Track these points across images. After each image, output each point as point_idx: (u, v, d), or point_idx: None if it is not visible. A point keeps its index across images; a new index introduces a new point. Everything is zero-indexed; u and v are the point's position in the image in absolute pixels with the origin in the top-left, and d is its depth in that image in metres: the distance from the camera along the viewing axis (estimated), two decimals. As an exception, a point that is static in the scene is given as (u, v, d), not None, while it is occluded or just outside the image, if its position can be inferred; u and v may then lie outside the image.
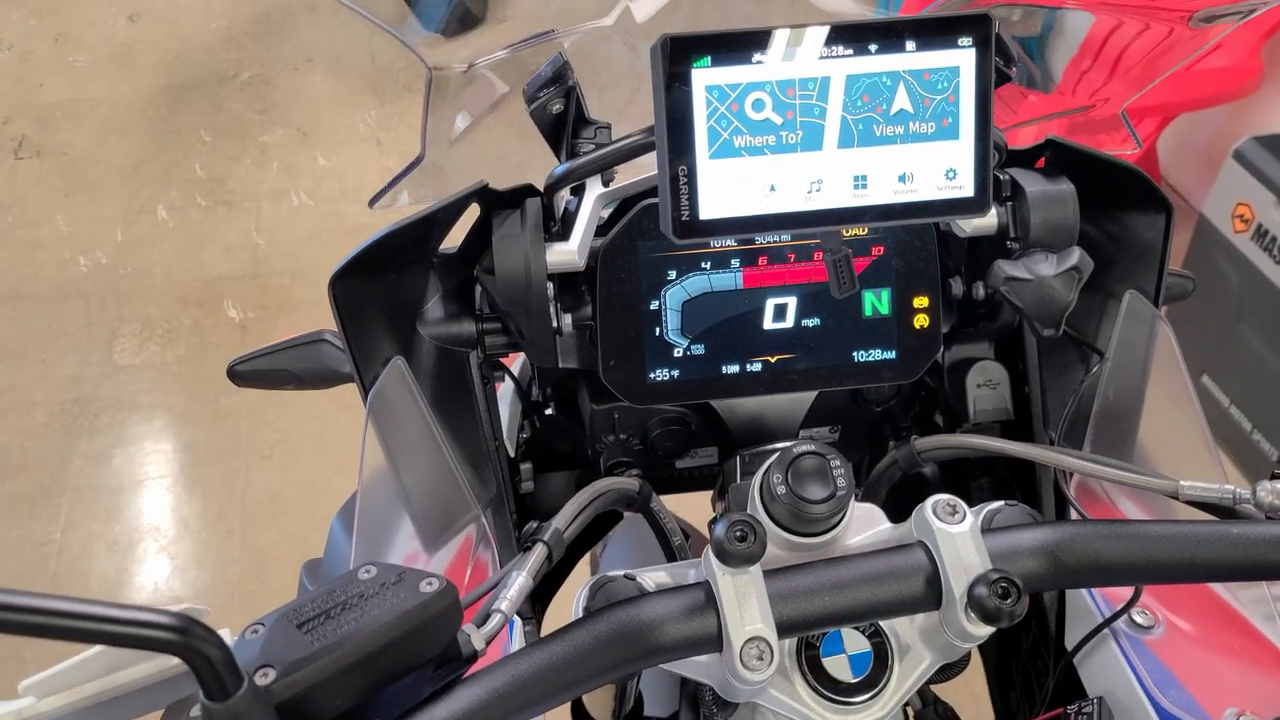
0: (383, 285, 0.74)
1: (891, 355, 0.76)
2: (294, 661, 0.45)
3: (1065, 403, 0.77)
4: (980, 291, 0.76)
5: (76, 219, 3.22)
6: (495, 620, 0.54)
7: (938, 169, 0.58)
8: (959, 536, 0.58)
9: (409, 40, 0.70)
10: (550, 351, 0.75)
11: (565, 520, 0.60)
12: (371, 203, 0.73)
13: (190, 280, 2.95)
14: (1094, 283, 0.81)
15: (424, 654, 0.49)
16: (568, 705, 1.00)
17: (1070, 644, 0.73)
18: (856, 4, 0.82)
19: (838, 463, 0.64)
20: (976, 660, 0.91)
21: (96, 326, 2.84)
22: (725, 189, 0.57)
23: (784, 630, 0.57)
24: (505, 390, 0.94)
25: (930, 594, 0.58)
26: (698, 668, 0.63)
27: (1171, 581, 0.58)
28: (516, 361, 0.97)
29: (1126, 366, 0.76)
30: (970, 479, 0.83)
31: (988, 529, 0.60)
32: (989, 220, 0.72)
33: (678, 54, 0.55)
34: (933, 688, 0.88)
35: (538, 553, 0.58)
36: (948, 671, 0.71)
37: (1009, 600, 0.54)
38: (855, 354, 0.76)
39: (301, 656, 0.45)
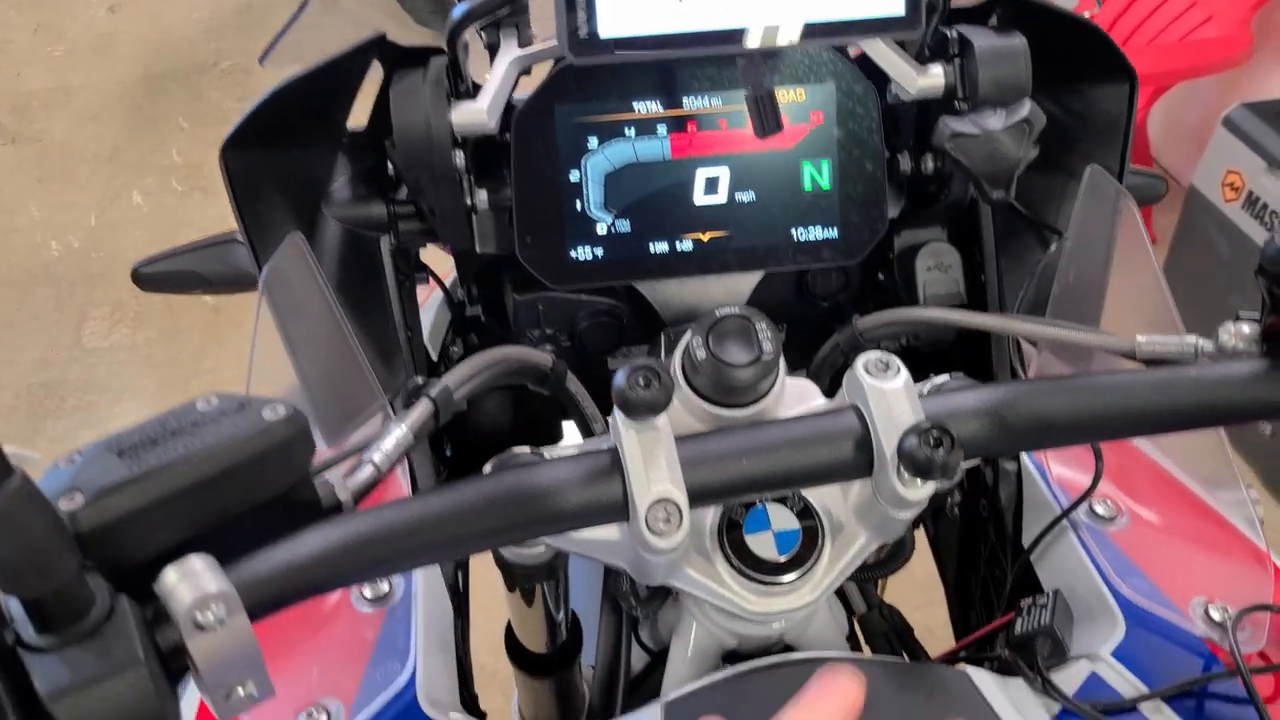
0: (283, 159, 0.68)
1: (833, 233, 0.70)
2: (105, 487, 0.39)
3: (1022, 286, 0.71)
4: (929, 164, 0.70)
5: (50, 205, 3.17)
6: (365, 472, 0.48)
7: (864, -19, 0.52)
8: (892, 394, 0.53)
9: None
10: (464, 231, 0.70)
11: (458, 379, 0.55)
12: (261, 59, 0.68)
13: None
14: (1054, 161, 0.75)
15: (266, 490, 0.43)
16: (501, 640, 0.94)
17: (1029, 543, 0.67)
18: None
19: (764, 325, 0.58)
20: (939, 587, 0.85)
21: (66, 310, 2.79)
22: (630, 2, 0.52)
23: (697, 496, 0.51)
24: (434, 303, 0.88)
25: (860, 458, 0.52)
26: (609, 550, 0.57)
27: (1126, 435, 0.52)
28: (451, 275, 0.91)
29: (1088, 245, 0.70)
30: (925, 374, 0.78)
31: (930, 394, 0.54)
32: (935, 80, 0.66)
33: None
34: (886, 599, 0.82)
35: (420, 408, 0.52)
36: (890, 564, 0.65)
37: (941, 449, 0.49)
38: (794, 231, 0.70)
39: (113, 482, 0.39)
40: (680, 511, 0.50)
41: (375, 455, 0.49)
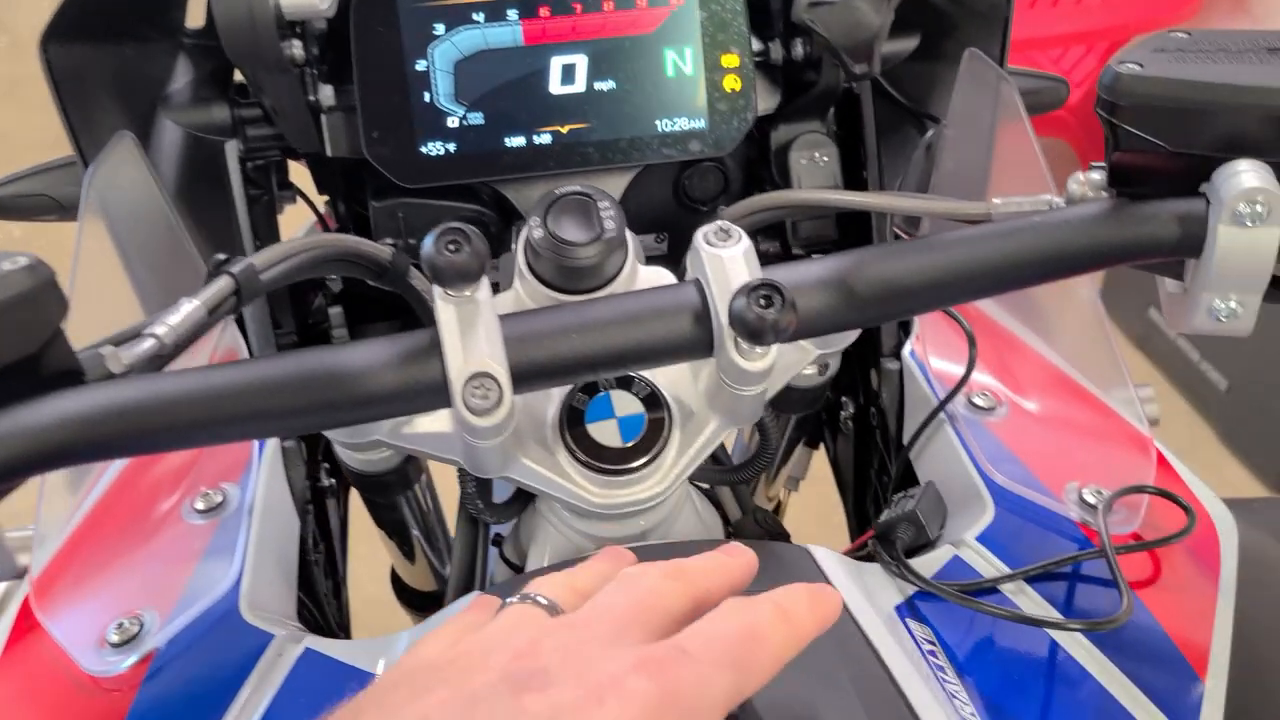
0: (113, 56, 0.64)
1: (700, 124, 0.67)
2: None
3: (902, 176, 0.68)
4: (800, 49, 0.67)
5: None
6: (146, 345, 0.45)
7: None
8: (730, 260, 0.49)
9: None
10: (310, 132, 0.66)
11: (267, 259, 0.51)
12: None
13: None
14: (933, 50, 0.72)
15: (11, 347, 0.40)
16: (388, 582, 0.90)
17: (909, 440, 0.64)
18: None
19: (606, 204, 0.55)
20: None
21: None
22: None
23: (524, 376, 0.48)
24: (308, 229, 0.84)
25: (699, 334, 0.49)
26: (441, 444, 0.54)
27: (980, 293, 0.49)
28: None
29: (967, 131, 0.67)
30: None
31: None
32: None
33: None
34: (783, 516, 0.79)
35: (218, 284, 0.48)
36: (755, 463, 0.61)
37: (772, 309, 0.45)
38: (659, 122, 0.66)
39: None
40: (500, 386, 0.47)
41: (158, 328, 0.45)
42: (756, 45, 0.68)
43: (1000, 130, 0.67)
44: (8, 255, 0.40)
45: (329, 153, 0.67)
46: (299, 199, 0.78)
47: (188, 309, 0.47)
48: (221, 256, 0.50)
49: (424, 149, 0.65)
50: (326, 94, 0.65)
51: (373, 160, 0.65)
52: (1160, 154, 0.44)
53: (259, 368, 0.46)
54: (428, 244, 0.46)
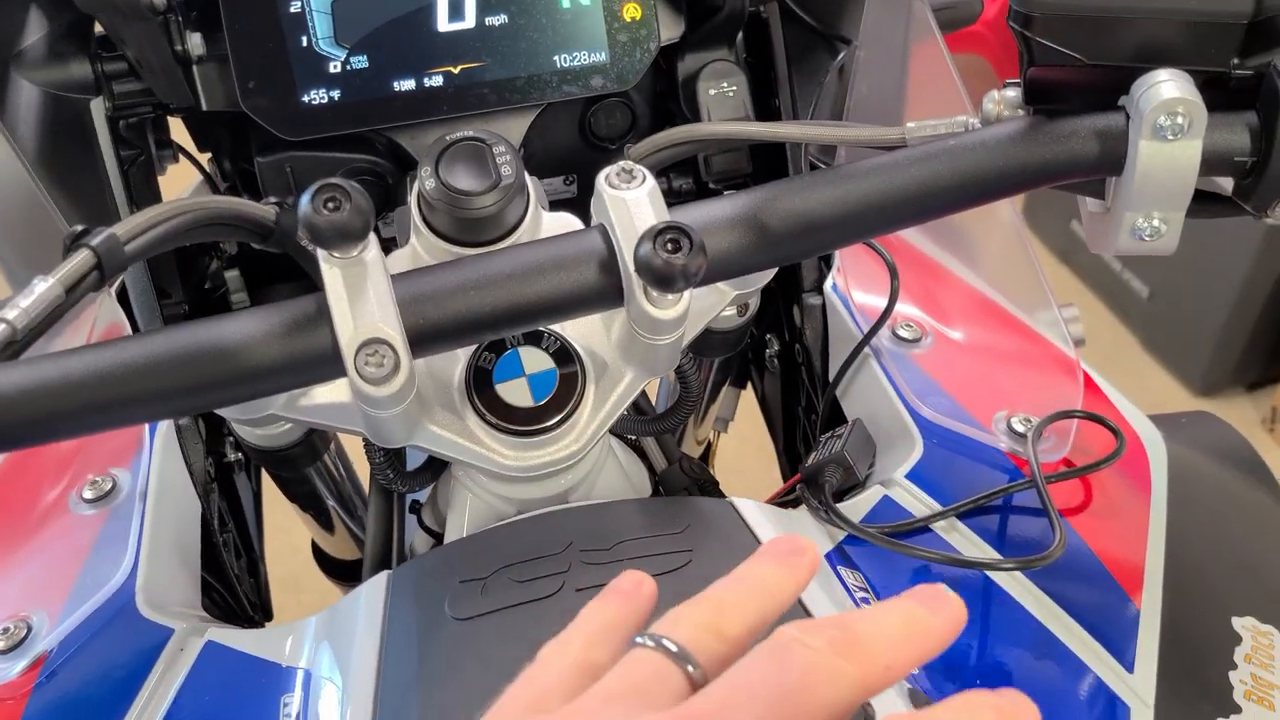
0: None
1: (601, 57, 0.63)
2: None
3: (815, 100, 0.66)
4: None
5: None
6: (-3, 330, 0.41)
7: None
8: (634, 203, 0.47)
9: None
10: (179, 84, 0.61)
11: (131, 227, 0.46)
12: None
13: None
14: (841, -34, 0.69)
15: None
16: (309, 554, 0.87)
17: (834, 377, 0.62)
18: None
19: (503, 149, 0.52)
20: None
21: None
22: None
23: (421, 339, 0.45)
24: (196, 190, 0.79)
25: (608, 283, 0.46)
26: (339, 415, 0.50)
27: (898, 224, 0.47)
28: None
29: (880, 50, 0.64)
30: None
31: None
32: None
33: None
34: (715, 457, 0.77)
35: (77, 259, 0.44)
36: (677, 412, 0.59)
37: (680, 254, 0.43)
38: (557, 58, 0.63)
39: None
40: (395, 353, 0.44)
41: (8, 311, 0.41)
42: None
43: (914, 50, 0.65)
44: None
45: (204, 107, 0.63)
46: (181, 157, 0.73)
47: (41, 289, 0.42)
48: (78, 229, 0.46)
49: (305, 98, 0.60)
50: (195, 42, 0.60)
51: (250, 113, 0.60)
52: (1077, 67, 0.42)
53: (130, 347, 0.42)
54: (304, 203, 0.43)
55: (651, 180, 0.47)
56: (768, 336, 0.74)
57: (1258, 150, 0.40)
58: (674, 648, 0.29)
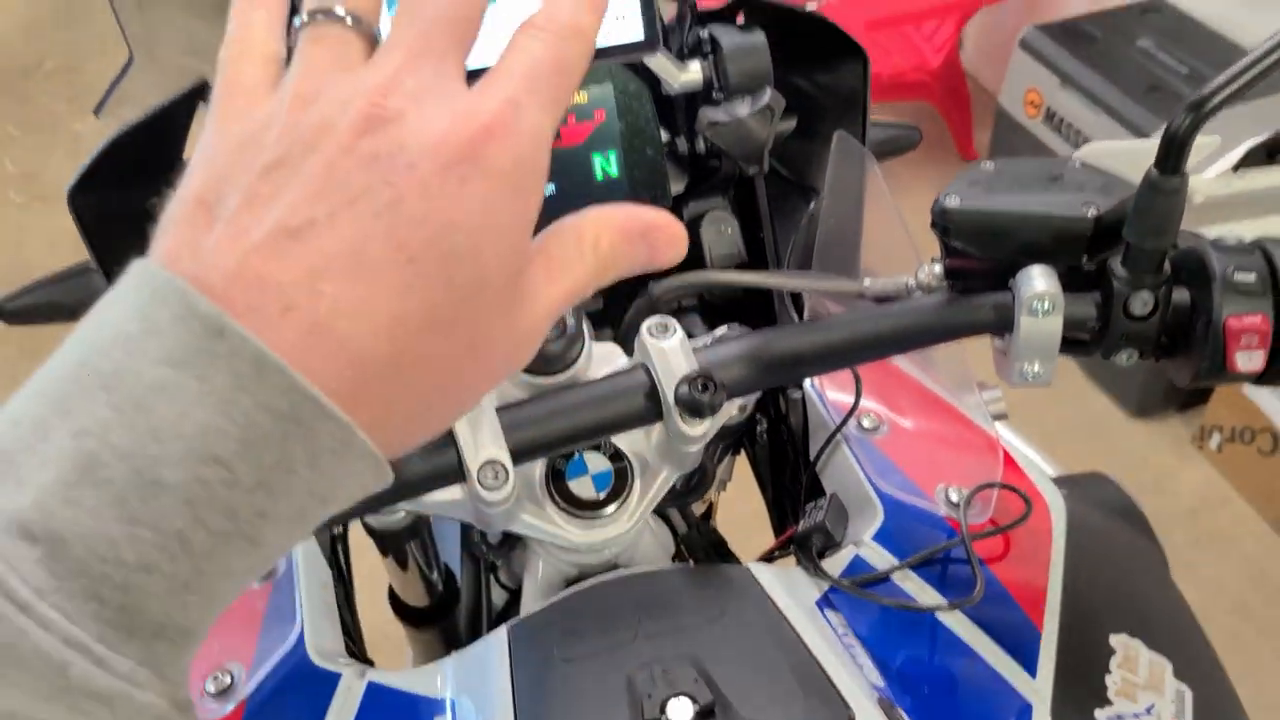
0: (126, 196, 0.75)
1: (626, 213, 0.81)
2: None
3: (792, 240, 0.84)
4: (702, 144, 0.82)
5: (-119, 230, 3.07)
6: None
7: (609, 15, 0.63)
8: (669, 350, 0.64)
9: None
10: None
11: None
12: (96, 111, 0.75)
13: (14, 279, 2.85)
14: (809, 130, 0.87)
15: None
16: (385, 599, 1.04)
17: (814, 457, 0.80)
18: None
19: (570, 310, 0.69)
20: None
21: (-83, 336, 2.73)
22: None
23: (520, 454, 0.62)
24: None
25: (651, 407, 0.64)
26: (455, 509, 0.68)
27: (857, 361, 0.65)
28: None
29: (840, 201, 0.83)
30: (720, 321, 0.90)
31: (706, 347, 0.66)
32: (694, 75, 0.78)
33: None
34: (716, 519, 0.95)
35: None
36: (696, 491, 0.77)
37: (708, 394, 0.61)
38: (592, 216, 0.81)
39: None
40: (506, 469, 0.61)
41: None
42: (665, 136, 0.83)
43: (869, 200, 0.83)
44: None
45: None
46: None
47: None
48: None
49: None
50: None
51: None
52: (979, 259, 0.61)
53: None
54: None
55: (681, 332, 0.65)
56: (758, 416, 0.92)
57: (1101, 319, 0.59)
58: (341, 12, 0.34)
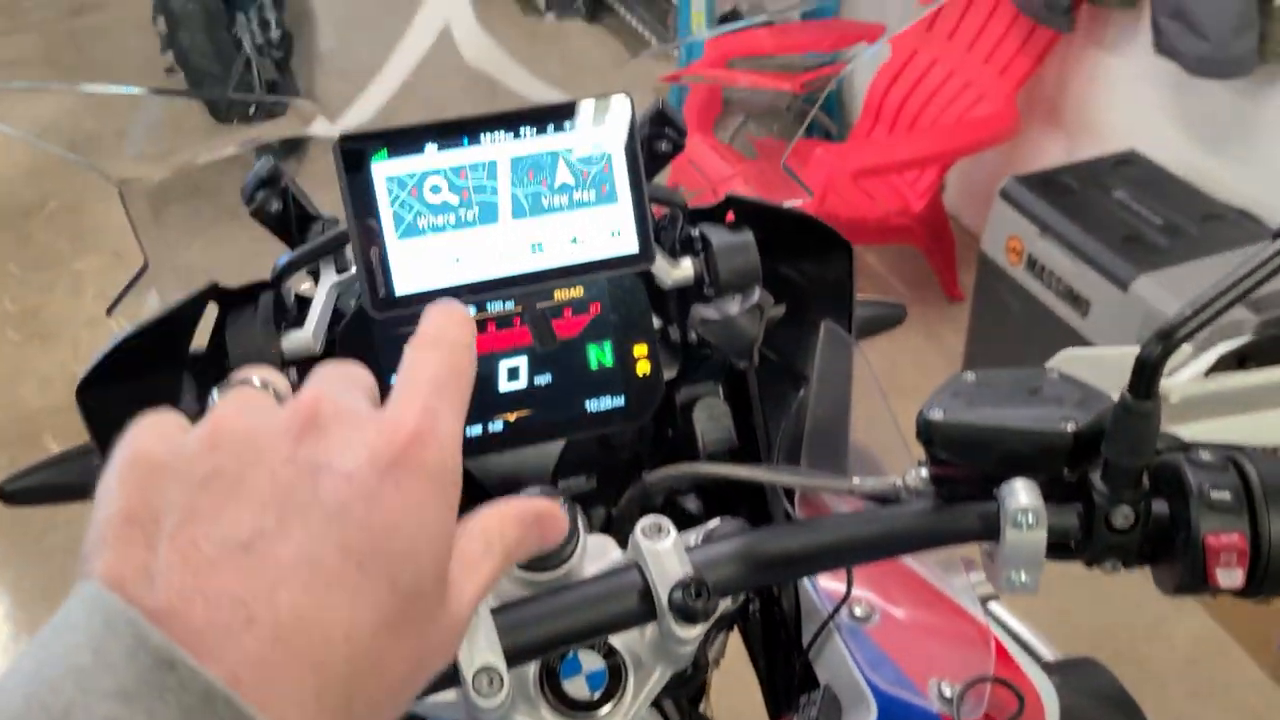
0: (135, 390, 0.77)
1: (620, 401, 0.83)
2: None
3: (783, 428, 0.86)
4: (694, 335, 0.84)
5: (-121, 367, 3.08)
6: None
7: (603, 230, 0.66)
8: (663, 552, 0.65)
9: (91, 161, 0.76)
10: None
11: None
12: (109, 311, 0.77)
13: (6, 417, 2.86)
14: (797, 318, 0.90)
15: None
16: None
17: (806, 644, 0.81)
18: (557, 93, 0.91)
19: (563, 504, 0.71)
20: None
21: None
22: (416, 265, 0.64)
23: (514, 657, 0.62)
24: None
25: (645, 608, 0.64)
26: (448, 710, 0.68)
27: (846, 564, 0.66)
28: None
29: (828, 389, 0.85)
30: (723, 505, 0.91)
31: (698, 544, 0.67)
32: (685, 272, 0.81)
33: (356, 151, 0.62)
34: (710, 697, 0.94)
35: None
36: (689, 684, 0.77)
37: (701, 599, 0.61)
38: (587, 404, 0.83)
39: None
40: (500, 675, 0.61)
41: None
42: (657, 323, 0.85)
43: (857, 387, 0.86)
44: None
45: None
46: None
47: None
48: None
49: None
50: None
51: None
52: (964, 467, 0.62)
53: None
54: None
55: (674, 534, 0.66)
56: (750, 596, 0.93)
57: (1084, 530, 0.60)
58: (256, 381, 0.38)
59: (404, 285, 0.64)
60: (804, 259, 0.88)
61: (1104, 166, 2.61)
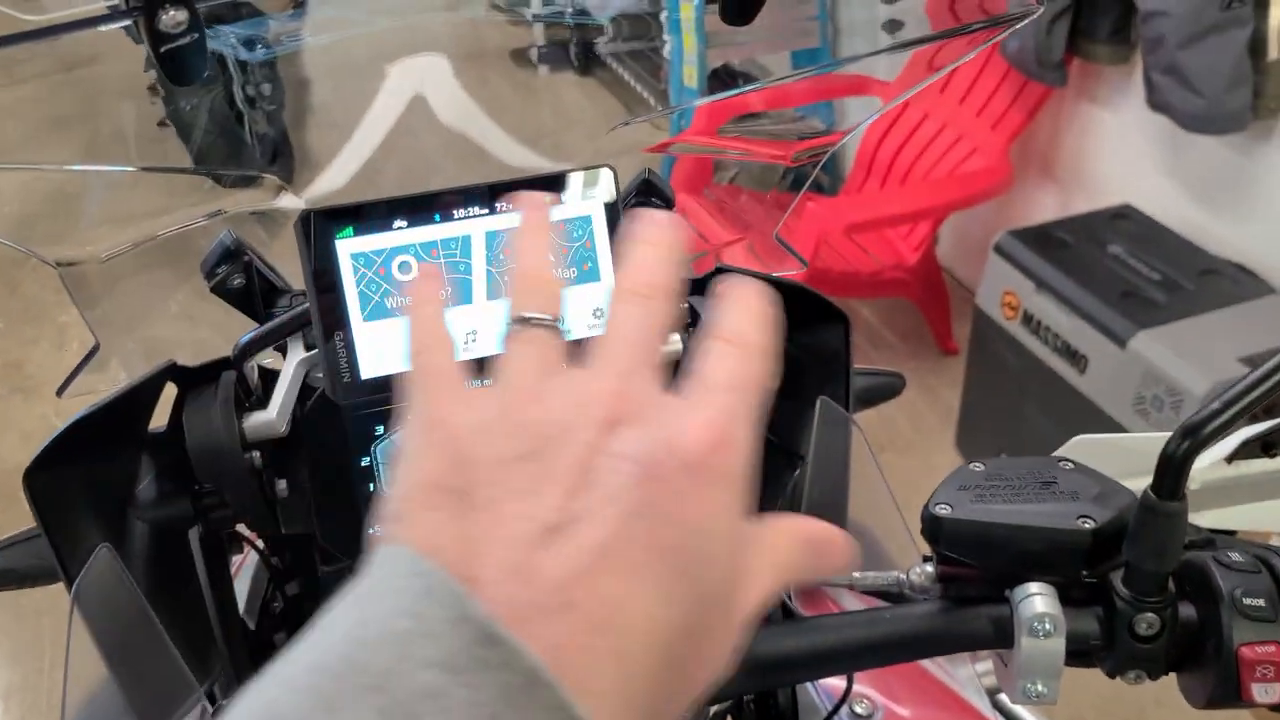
0: (88, 473, 0.73)
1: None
2: None
3: (779, 506, 0.81)
4: None
5: None
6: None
7: (585, 309, 0.62)
8: None
9: (29, 247, 0.72)
10: (269, 519, 0.75)
11: None
12: (59, 392, 0.73)
13: (-16, 474, 2.80)
14: (792, 392, 0.86)
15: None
16: None
17: (805, 743, 0.76)
18: (537, 156, 0.87)
19: None
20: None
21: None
22: (382, 348, 0.60)
23: None
24: (250, 565, 0.92)
25: None
26: None
27: (847, 670, 0.61)
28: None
29: (826, 466, 0.81)
30: None
31: None
32: (675, 348, 0.77)
33: (320, 227, 0.58)
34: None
35: None
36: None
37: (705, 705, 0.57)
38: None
39: None
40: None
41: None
42: None
43: (855, 465, 0.81)
44: None
45: (283, 530, 0.77)
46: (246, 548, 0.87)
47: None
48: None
49: (374, 530, 0.75)
50: (281, 487, 0.75)
51: (327, 545, 0.74)
52: (974, 567, 0.58)
53: None
54: None
55: None
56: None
57: (1105, 637, 0.55)
58: (538, 317, 0.37)
59: (370, 369, 0.60)
60: (799, 331, 0.84)
61: (1099, 221, 2.59)
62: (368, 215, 0.58)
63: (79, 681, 0.69)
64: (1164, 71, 2.31)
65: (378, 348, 0.59)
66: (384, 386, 0.60)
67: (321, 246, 0.58)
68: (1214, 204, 2.52)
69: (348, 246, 0.58)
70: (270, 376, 0.75)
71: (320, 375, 0.76)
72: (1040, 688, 0.57)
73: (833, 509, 0.81)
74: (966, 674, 0.75)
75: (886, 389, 1.00)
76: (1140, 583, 0.54)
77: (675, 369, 0.63)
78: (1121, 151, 2.75)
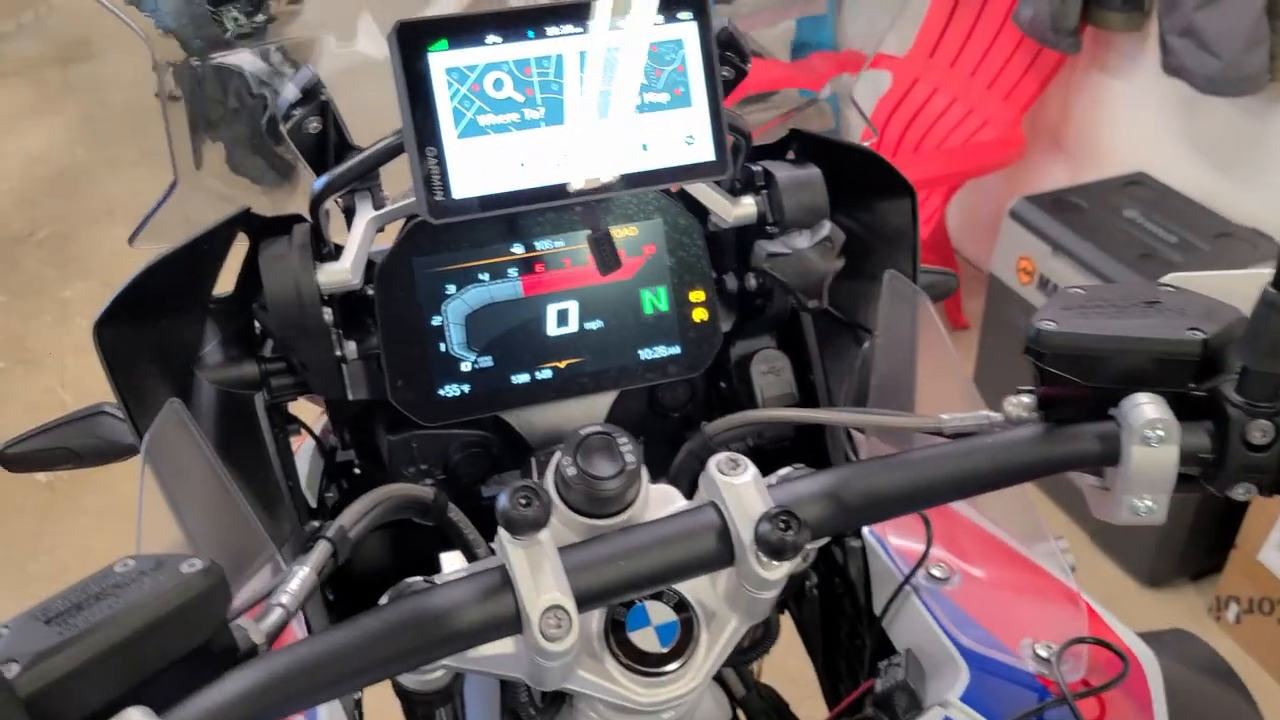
0: (154, 330, 0.72)
1: (676, 350, 0.78)
2: (39, 653, 0.42)
3: (844, 381, 0.81)
4: (752, 281, 0.79)
5: None
6: (275, 615, 0.52)
7: (677, 135, 0.61)
8: (742, 487, 0.60)
9: (137, 27, 0.71)
10: (336, 381, 0.74)
11: (351, 518, 0.59)
12: (131, 239, 0.72)
13: (-11, 443, 2.77)
14: (857, 269, 0.85)
15: (190, 640, 0.46)
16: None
17: (879, 610, 0.75)
18: None
19: (624, 439, 0.65)
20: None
21: (-116, 501, 2.62)
22: (476, 167, 0.59)
23: (583, 601, 0.56)
24: (306, 452, 0.91)
25: (723, 548, 0.59)
26: (506, 664, 0.61)
27: (944, 500, 0.60)
28: (320, 423, 0.95)
29: (894, 340, 0.80)
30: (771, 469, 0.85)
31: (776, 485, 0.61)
32: (748, 210, 0.76)
33: (413, 40, 0.57)
34: (759, 677, 0.88)
35: (320, 549, 0.56)
36: (760, 646, 0.71)
37: (790, 532, 0.56)
38: (641, 352, 0.77)
39: (47, 647, 0.42)
40: (570, 616, 0.55)
41: (283, 598, 0.52)
42: (712, 274, 0.80)
43: (921, 337, 0.80)
44: (185, 558, 0.47)
45: (350, 396, 0.76)
46: (302, 430, 0.85)
47: (301, 576, 0.54)
48: (315, 524, 0.58)
49: (441, 392, 0.74)
50: (350, 349, 0.74)
51: (398, 405, 0.73)
52: (1077, 386, 0.57)
53: (368, 625, 0.53)
54: (502, 500, 0.55)
55: (754, 469, 0.60)
56: (809, 570, 0.87)
57: (1216, 449, 0.55)
58: None
59: (462, 188, 0.59)
60: (863, 205, 0.83)
61: (1113, 187, 2.59)
62: (461, 28, 0.57)
63: (147, 538, 0.68)
64: (1180, 34, 2.31)
65: (471, 166, 0.58)
66: (478, 205, 0.59)
67: (414, 58, 0.57)
68: (1229, 170, 2.52)
69: (441, 60, 0.57)
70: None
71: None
72: (1149, 502, 0.56)
73: (901, 382, 0.80)
74: (1047, 548, 0.74)
75: (942, 286, 0.99)
76: (1256, 387, 0.53)
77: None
78: (1134, 120, 2.75)
